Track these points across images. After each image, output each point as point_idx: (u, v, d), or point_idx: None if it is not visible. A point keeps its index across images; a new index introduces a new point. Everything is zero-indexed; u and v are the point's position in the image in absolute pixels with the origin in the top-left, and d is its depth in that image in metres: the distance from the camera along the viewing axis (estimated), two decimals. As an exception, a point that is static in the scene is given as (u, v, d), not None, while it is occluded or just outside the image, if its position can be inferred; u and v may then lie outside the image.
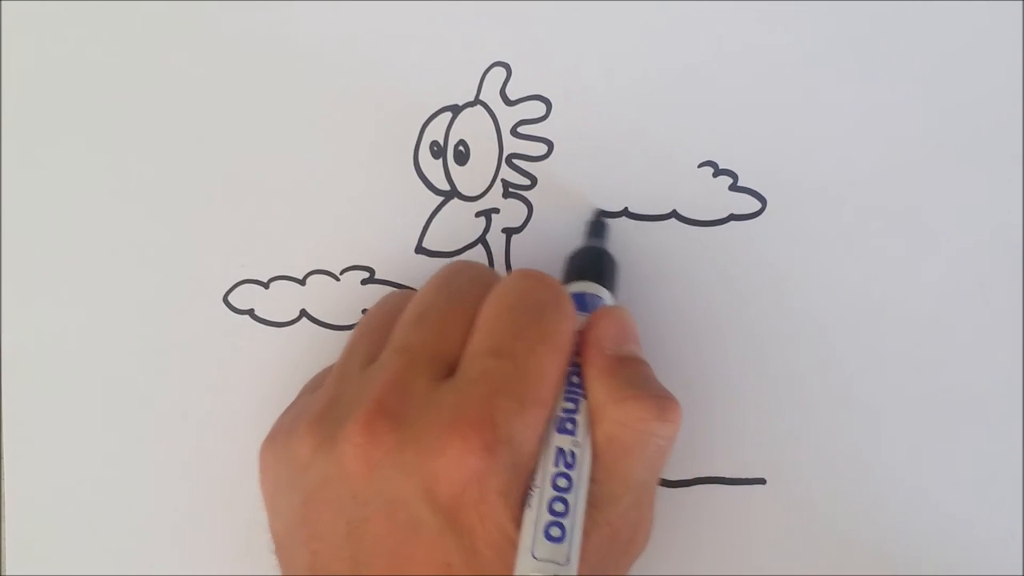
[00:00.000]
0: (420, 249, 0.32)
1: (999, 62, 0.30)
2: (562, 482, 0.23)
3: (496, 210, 0.32)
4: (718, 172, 0.31)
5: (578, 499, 0.23)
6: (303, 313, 0.32)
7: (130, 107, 0.32)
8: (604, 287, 0.29)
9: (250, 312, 0.32)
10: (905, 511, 0.31)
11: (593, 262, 0.30)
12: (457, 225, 0.32)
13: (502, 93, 0.31)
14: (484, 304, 0.25)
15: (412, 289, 0.31)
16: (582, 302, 0.27)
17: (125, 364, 0.32)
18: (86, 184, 0.32)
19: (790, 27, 0.31)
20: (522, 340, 0.24)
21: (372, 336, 0.27)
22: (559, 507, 0.22)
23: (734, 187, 0.31)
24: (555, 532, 0.22)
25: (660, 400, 0.25)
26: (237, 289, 0.32)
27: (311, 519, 0.24)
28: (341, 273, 0.32)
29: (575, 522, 0.22)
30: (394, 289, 0.32)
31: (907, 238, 0.31)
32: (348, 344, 0.29)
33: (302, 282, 0.32)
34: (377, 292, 0.32)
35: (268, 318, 0.32)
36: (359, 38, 0.32)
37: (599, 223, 0.31)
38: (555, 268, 0.32)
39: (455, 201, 0.32)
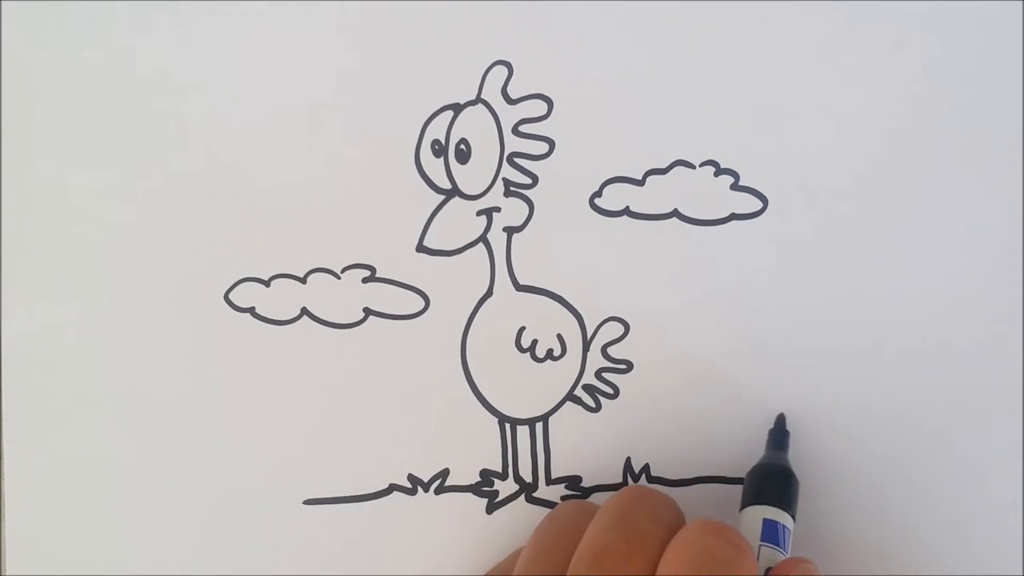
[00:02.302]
0: (421, 247, 0.32)
1: (999, 62, 0.30)
2: None
3: (497, 209, 0.32)
4: (719, 171, 0.31)
5: None
6: (304, 311, 0.32)
7: (130, 106, 0.32)
8: (788, 512, 0.28)
9: (251, 310, 0.32)
10: (905, 511, 0.31)
11: (781, 484, 0.29)
12: (458, 224, 0.32)
13: (503, 92, 0.31)
14: (667, 554, 0.24)
15: (591, 503, 0.30)
16: (770, 531, 0.27)
17: (125, 363, 0.32)
18: (86, 184, 0.32)
19: (791, 27, 0.31)
20: None
21: (550, 558, 0.26)
22: None
23: (735, 187, 0.31)
24: None
25: None
26: (238, 287, 0.32)
27: None
28: (342, 271, 0.32)
29: None
30: (575, 501, 0.31)
31: (907, 238, 0.31)
32: (526, 558, 0.27)
33: (303, 280, 0.32)
34: (378, 290, 0.32)
35: (269, 316, 0.32)
36: (360, 37, 0.32)
37: (782, 432, 0.31)
38: (555, 268, 0.32)
39: (456, 200, 0.32)
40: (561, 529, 0.27)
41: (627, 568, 0.24)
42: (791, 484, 0.29)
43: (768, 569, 0.27)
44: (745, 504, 0.29)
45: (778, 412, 0.31)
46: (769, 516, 0.28)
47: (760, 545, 0.27)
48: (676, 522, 0.26)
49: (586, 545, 0.25)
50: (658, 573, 0.24)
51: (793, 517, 0.29)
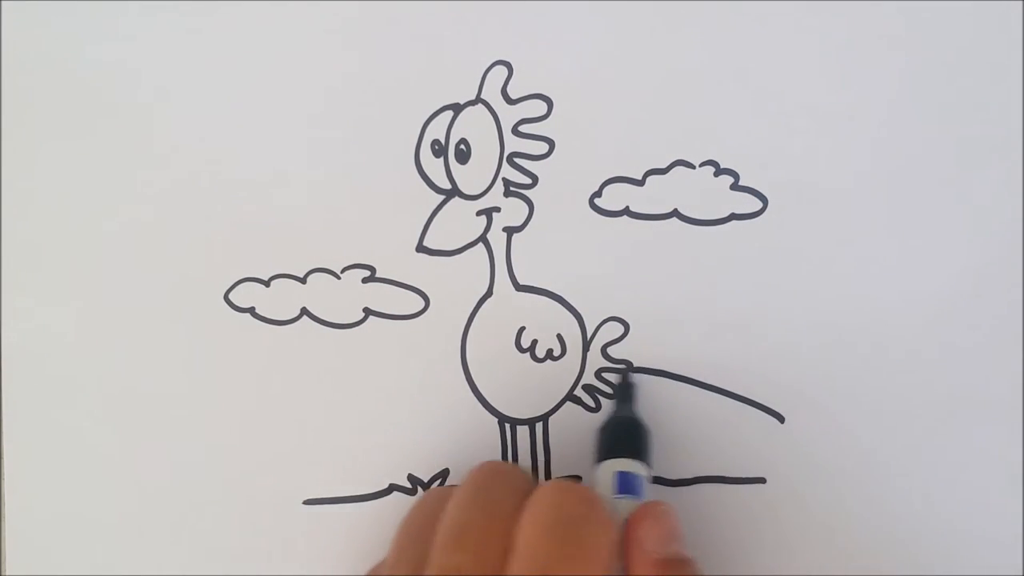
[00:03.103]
0: (421, 248, 0.32)
1: (999, 62, 0.30)
2: None
3: (497, 209, 0.32)
4: (719, 171, 0.31)
5: None
6: (304, 311, 0.32)
7: (130, 106, 0.32)
8: (642, 461, 0.29)
9: (251, 310, 0.32)
10: (905, 511, 0.31)
11: (629, 435, 0.29)
12: (458, 224, 0.32)
13: (503, 92, 0.31)
14: (522, 520, 0.25)
15: (451, 487, 0.30)
16: (624, 483, 0.27)
17: (125, 363, 0.32)
18: (86, 184, 0.32)
19: (791, 26, 0.31)
20: (563, 561, 0.23)
21: (415, 548, 0.27)
22: None
23: (735, 187, 0.31)
24: None
25: None
26: (238, 287, 0.32)
27: None
28: (342, 271, 0.32)
29: None
30: (435, 488, 0.31)
31: (907, 238, 0.31)
32: (392, 552, 0.28)
33: (303, 280, 0.32)
34: (378, 290, 0.32)
35: (269, 316, 0.32)
36: (360, 37, 0.32)
37: (628, 386, 0.31)
38: (555, 268, 0.32)
39: (456, 200, 0.32)
40: (424, 516, 0.27)
41: (487, 542, 0.25)
42: (640, 433, 0.30)
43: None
44: (598, 460, 0.29)
45: (779, 413, 0.31)
46: (622, 468, 0.28)
47: (616, 498, 0.27)
48: (530, 489, 0.26)
49: (446, 526, 0.26)
50: (518, 538, 0.24)
51: (649, 464, 0.29)
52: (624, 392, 0.31)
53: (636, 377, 0.32)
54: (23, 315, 0.32)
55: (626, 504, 0.27)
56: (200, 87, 0.32)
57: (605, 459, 0.29)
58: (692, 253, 0.32)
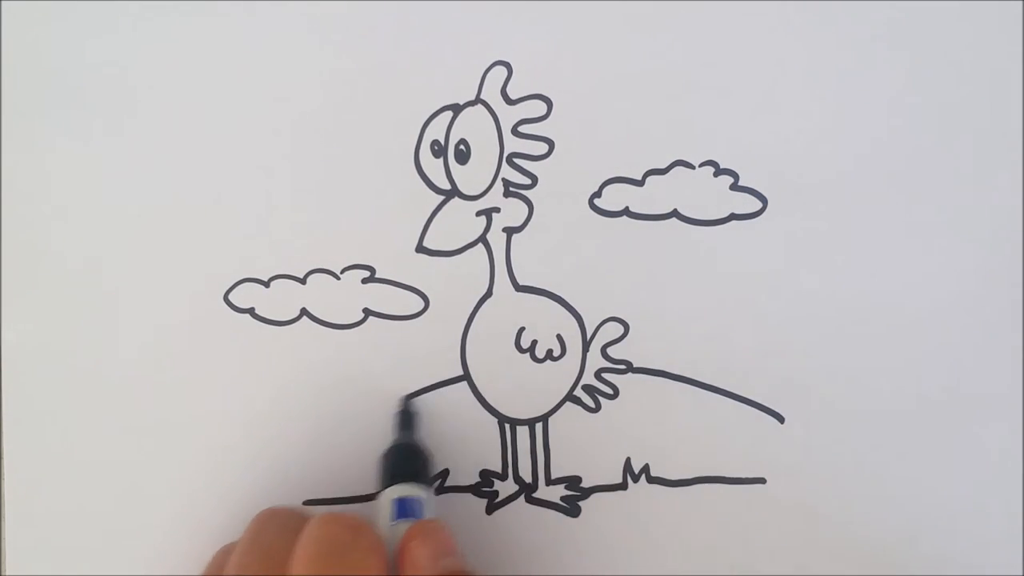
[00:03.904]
0: (421, 248, 0.32)
1: (999, 62, 0.31)
2: None
3: (497, 209, 0.32)
4: (719, 172, 0.31)
5: None
6: (304, 312, 0.32)
7: (131, 106, 0.32)
8: (421, 483, 0.29)
9: (251, 311, 0.32)
10: (905, 511, 0.31)
11: (408, 461, 0.30)
12: (458, 224, 0.32)
13: (503, 92, 0.31)
14: (292, 558, 0.25)
15: (232, 543, 0.30)
16: (402, 508, 0.28)
17: (125, 363, 0.32)
18: (86, 183, 0.32)
19: (791, 27, 0.31)
20: None
21: None
22: None
23: (735, 187, 0.31)
24: None
25: None
26: (238, 288, 0.32)
27: None
28: (342, 272, 0.32)
29: None
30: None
31: (907, 238, 0.31)
32: None
33: (303, 281, 0.32)
34: (377, 291, 0.32)
35: (269, 317, 0.32)
36: (361, 37, 0.32)
37: (407, 414, 0.31)
38: (555, 268, 0.32)
39: (456, 200, 0.32)
40: (216, 564, 0.28)
41: None
42: (419, 458, 0.30)
43: None
44: (380, 488, 0.29)
45: (779, 413, 0.31)
46: (400, 494, 0.28)
47: (394, 523, 0.27)
48: (304, 527, 0.27)
49: (229, 573, 0.26)
50: (288, 573, 0.25)
51: (429, 486, 0.29)
52: (405, 419, 0.31)
53: (418, 403, 0.32)
54: (23, 315, 0.32)
55: (404, 528, 0.27)
56: (200, 87, 0.32)
57: (387, 486, 0.29)
58: (692, 253, 0.32)
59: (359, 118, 0.32)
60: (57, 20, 0.32)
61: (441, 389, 0.32)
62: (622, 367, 0.32)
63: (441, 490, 0.32)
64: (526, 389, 0.32)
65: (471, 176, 0.32)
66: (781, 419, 0.31)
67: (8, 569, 0.32)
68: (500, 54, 0.31)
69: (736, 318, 0.32)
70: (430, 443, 0.31)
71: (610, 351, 0.32)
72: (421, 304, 0.32)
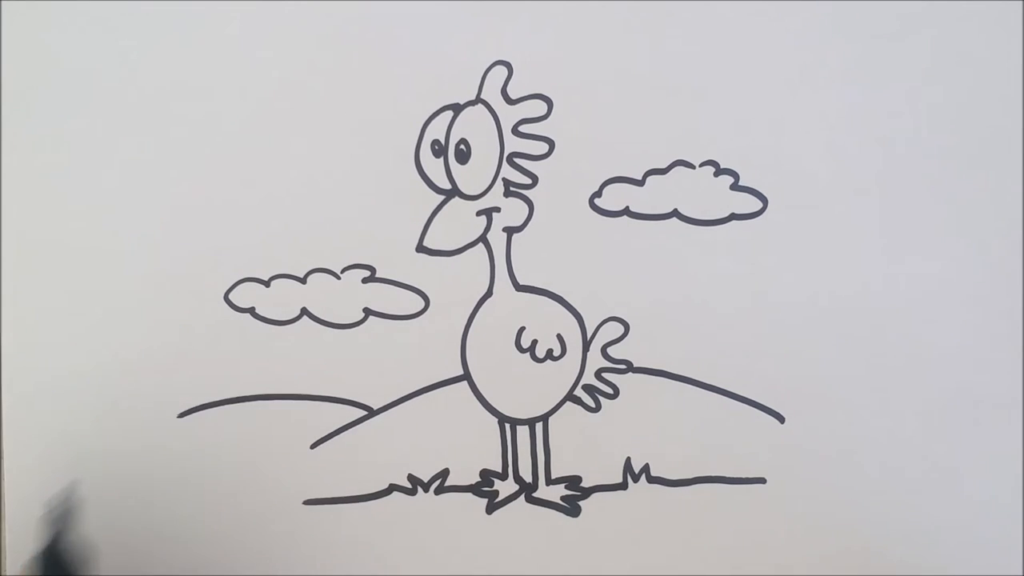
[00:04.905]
0: (421, 248, 0.32)
1: (999, 62, 0.31)
2: None
3: (497, 209, 0.32)
4: (719, 172, 0.31)
5: None
6: (304, 311, 0.32)
7: (131, 107, 0.32)
8: None
9: (251, 310, 0.32)
10: (905, 511, 0.31)
11: (58, 569, 0.30)
12: (458, 224, 0.32)
13: (503, 92, 0.31)
14: None
15: None
16: None
17: (125, 363, 0.32)
18: (86, 184, 0.32)
19: (791, 28, 0.31)
20: None
21: None
22: None
23: (735, 187, 0.31)
24: None
25: None
26: (238, 287, 0.32)
27: None
28: (342, 272, 0.32)
29: None
30: None
31: (907, 238, 0.31)
32: None
33: (303, 280, 0.32)
34: (378, 290, 0.32)
35: (269, 316, 0.32)
36: (361, 38, 0.32)
37: (66, 511, 0.32)
38: (555, 268, 0.32)
39: (456, 200, 0.32)
40: None
41: None
42: (68, 565, 0.31)
43: None
44: None
45: (779, 413, 0.31)
46: None
47: None
48: None
49: None
50: None
51: None
52: (60, 518, 0.31)
53: (71, 500, 0.32)
54: (23, 315, 0.32)
55: None
56: (201, 88, 0.32)
57: None
58: (692, 253, 0.32)
59: (360, 118, 0.32)
60: (57, 20, 0.32)
61: (441, 389, 0.32)
62: (622, 367, 0.32)
63: (441, 490, 0.32)
64: (526, 389, 0.32)
65: (471, 176, 0.32)
66: (781, 419, 0.31)
67: (8, 569, 0.32)
68: (500, 54, 0.31)
69: (736, 318, 0.32)
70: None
71: (610, 351, 0.32)
72: (421, 304, 0.32)
